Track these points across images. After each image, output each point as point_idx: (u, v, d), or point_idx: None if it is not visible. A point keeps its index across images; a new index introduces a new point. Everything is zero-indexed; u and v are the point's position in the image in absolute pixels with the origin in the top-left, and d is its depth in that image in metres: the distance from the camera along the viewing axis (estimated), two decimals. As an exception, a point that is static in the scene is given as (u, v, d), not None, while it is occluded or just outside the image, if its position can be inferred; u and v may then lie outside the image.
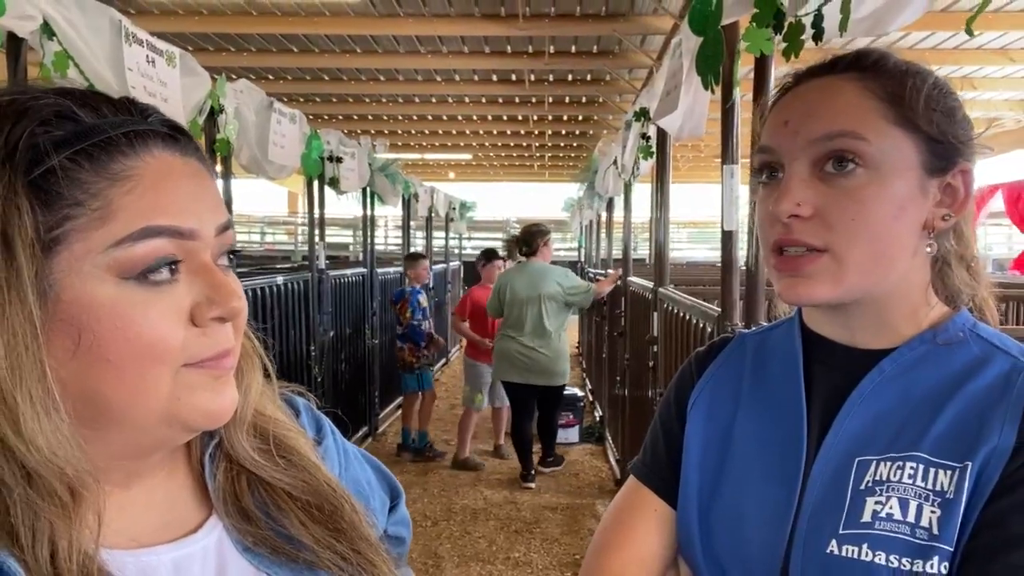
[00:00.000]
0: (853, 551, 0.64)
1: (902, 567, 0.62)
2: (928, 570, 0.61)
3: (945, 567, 0.61)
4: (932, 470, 0.64)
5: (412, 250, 6.86)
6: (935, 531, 0.62)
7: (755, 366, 0.79)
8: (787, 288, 0.69)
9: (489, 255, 5.57)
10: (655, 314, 3.52)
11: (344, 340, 5.16)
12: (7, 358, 0.44)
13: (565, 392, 5.17)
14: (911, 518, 0.63)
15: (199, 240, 0.50)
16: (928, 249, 0.70)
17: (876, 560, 0.63)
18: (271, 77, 7.64)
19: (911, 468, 0.65)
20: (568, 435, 5.53)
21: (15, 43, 1.88)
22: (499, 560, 3.69)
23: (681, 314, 2.96)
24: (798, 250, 0.68)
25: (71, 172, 0.46)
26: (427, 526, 4.08)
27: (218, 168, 3.31)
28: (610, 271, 5.73)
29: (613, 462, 4.93)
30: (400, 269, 6.79)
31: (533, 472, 4.73)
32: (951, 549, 0.62)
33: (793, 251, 0.68)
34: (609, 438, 5.30)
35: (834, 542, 0.65)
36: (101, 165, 0.47)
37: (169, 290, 0.49)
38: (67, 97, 0.49)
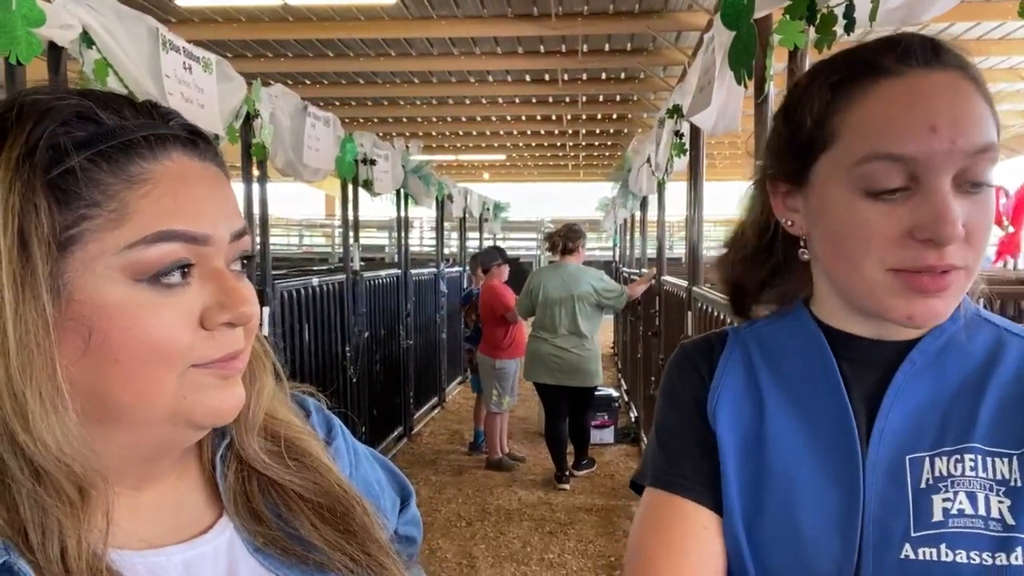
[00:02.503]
0: (931, 553, 0.61)
1: (984, 562, 0.60)
2: (1013, 562, 0.59)
3: None
4: (990, 460, 0.63)
5: (474, 251, 6.83)
6: (1009, 521, 0.60)
7: (769, 366, 0.74)
8: (921, 310, 0.63)
9: (504, 256, 5.41)
10: (689, 313, 3.48)
11: (379, 341, 5.20)
12: (19, 355, 0.44)
13: (600, 393, 5.14)
14: (982, 511, 0.61)
15: (212, 246, 0.51)
16: None
17: (958, 559, 0.60)
18: (308, 82, 7.75)
19: (971, 460, 0.63)
20: (603, 436, 5.50)
21: (55, 52, 1.94)
22: (533, 561, 3.68)
23: (715, 313, 2.92)
24: (937, 270, 0.62)
25: (89, 173, 0.47)
26: (461, 527, 4.09)
27: (254, 172, 3.36)
28: (644, 271, 5.68)
29: (649, 463, 4.88)
30: (434, 270, 6.84)
31: (567, 473, 4.71)
32: None
33: (932, 271, 0.63)
34: (644, 439, 5.26)
35: (908, 546, 0.62)
36: (119, 167, 0.48)
37: (180, 293, 0.49)
38: (89, 99, 0.49)
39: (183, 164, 0.51)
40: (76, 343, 0.47)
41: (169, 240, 0.48)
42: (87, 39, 1.99)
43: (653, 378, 4.69)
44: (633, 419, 5.89)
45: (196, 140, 0.53)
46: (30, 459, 0.45)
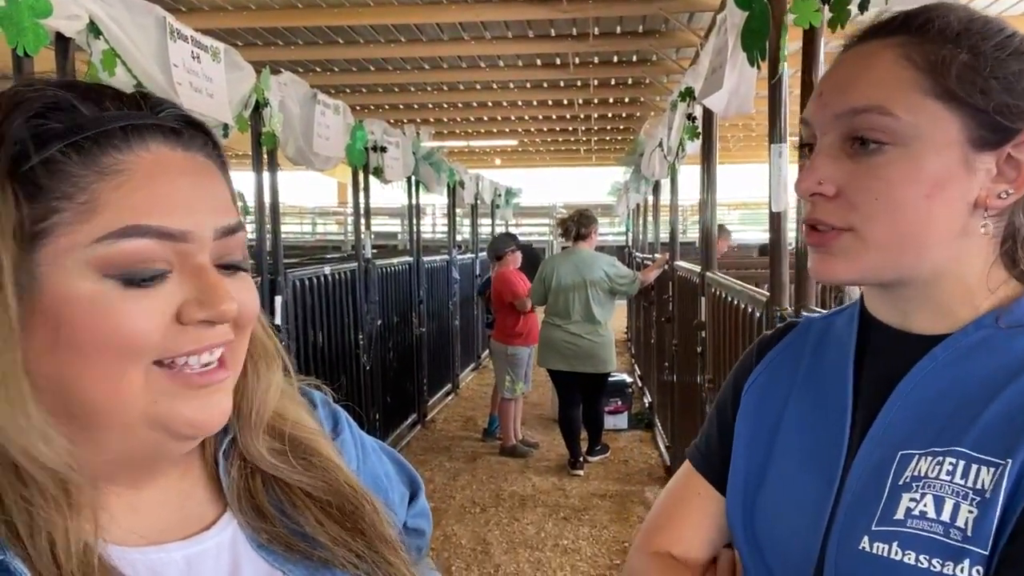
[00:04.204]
0: (884, 549, 0.61)
1: (932, 568, 0.58)
2: (959, 574, 0.57)
3: (978, 571, 0.57)
4: (974, 466, 0.60)
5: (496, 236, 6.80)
6: (969, 532, 0.58)
7: (815, 352, 0.77)
8: (814, 264, 0.68)
9: (517, 243, 5.44)
10: (703, 299, 3.46)
11: (392, 328, 5.22)
12: None
13: (613, 378, 5.14)
14: (946, 517, 0.59)
15: (193, 242, 0.48)
16: (982, 229, 0.64)
17: (905, 560, 0.59)
18: (318, 69, 7.73)
19: (950, 464, 0.60)
20: (617, 422, 5.49)
21: (63, 43, 1.93)
22: (548, 547, 3.69)
23: (729, 299, 2.89)
24: (825, 227, 0.66)
25: (60, 165, 0.46)
26: (476, 512, 4.11)
27: (264, 160, 3.36)
28: (657, 256, 5.65)
29: (662, 449, 4.88)
30: (446, 257, 6.83)
31: (581, 459, 4.72)
32: (985, 553, 0.57)
33: (822, 227, 0.67)
34: (658, 424, 5.24)
35: (866, 538, 0.62)
36: (91, 158, 0.46)
37: (154, 289, 0.47)
38: (70, 90, 0.48)
39: (162, 155, 0.49)
40: (46, 337, 0.46)
41: (138, 236, 0.46)
42: (94, 29, 1.99)
43: (667, 364, 4.67)
44: (647, 405, 5.88)
45: (182, 130, 0.51)
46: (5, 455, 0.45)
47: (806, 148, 0.69)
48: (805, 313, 0.85)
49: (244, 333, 0.53)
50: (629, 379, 5.95)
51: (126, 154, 0.47)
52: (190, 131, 0.51)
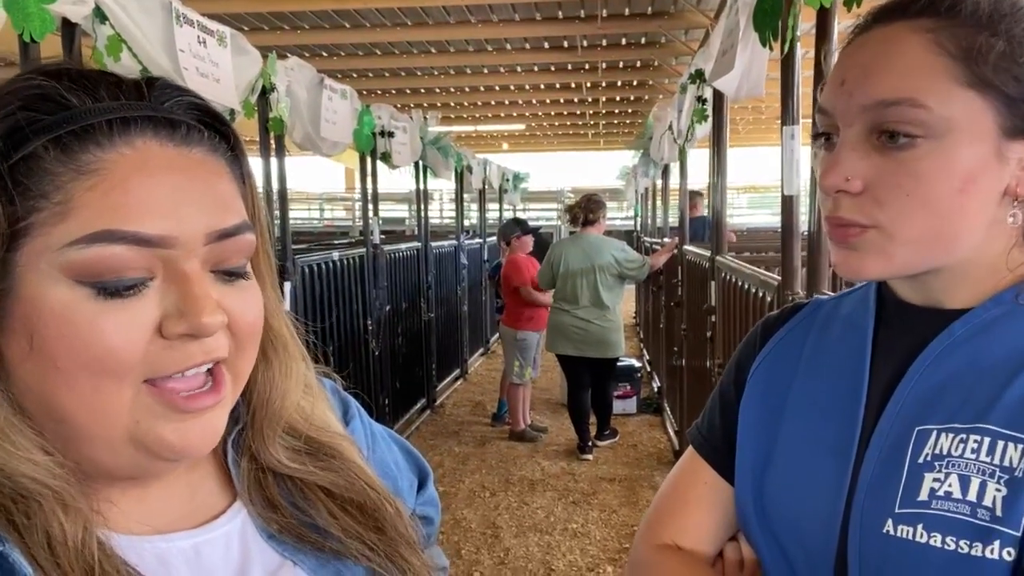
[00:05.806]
0: (908, 532, 0.59)
1: (959, 550, 0.56)
2: (988, 555, 0.55)
3: (1009, 553, 0.55)
4: (1001, 443, 0.58)
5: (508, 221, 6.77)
6: (998, 512, 0.56)
7: (820, 331, 0.74)
8: (839, 260, 0.66)
9: (524, 228, 5.42)
10: (713, 283, 3.44)
11: (400, 314, 5.22)
12: None
13: (622, 363, 5.14)
14: (972, 497, 0.57)
15: (176, 248, 0.45)
16: (1011, 219, 0.62)
17: (931, 542, 0.58)
18: (325, 54, 7.69)
19: (975, 441, 0.59)
20: (626, 406, 5.50)
21: (69, 28, 1.92)
22: (557, 531, 3.70)
23: (739, 283, 2.88)
24: (848, 224, 0.64)
25: (40, 162, 0.43)
26: (485, 497, 4.13)
27: (272, 146, 3.35)
28: (666, 240, 5.62)
29: (671, 433, 4.88)
30: (454, 242, 6.82)
31: (590, 443, 4.73)
32: (1017, 534, 0.55)
33: (845, 224, 0.64)
34: (667, 409, 5.25)
35: (890, 522, 0.60)
36: (70, 155, 0.43)
37: (131, 299, 0.44)
38: (59, 79, 0.45)
39: (148, 151, 0.45)
40: (22, 344, 0.43)
41: (111, 241, 0.43)
42: (100, 14, 1.98)
43: (675, 348, 4.67)
44: (655, 389, 5.88)
45: (180, 123, 0.47)
46: None
47: (822, 138, 0.66)
48: (817, 296, 0.82)
49: (245, 348, 0.49)
50: (638, 364, 5.94)
51: (107, 151, 0.44)
52: (194, 124, 0.48)
